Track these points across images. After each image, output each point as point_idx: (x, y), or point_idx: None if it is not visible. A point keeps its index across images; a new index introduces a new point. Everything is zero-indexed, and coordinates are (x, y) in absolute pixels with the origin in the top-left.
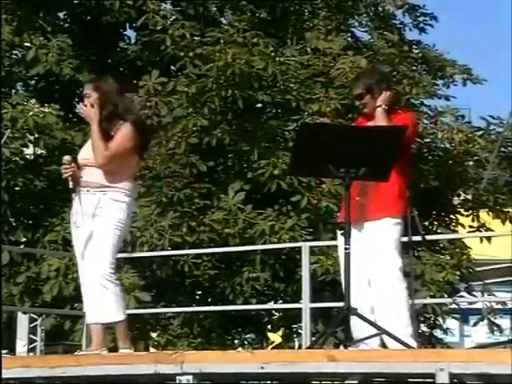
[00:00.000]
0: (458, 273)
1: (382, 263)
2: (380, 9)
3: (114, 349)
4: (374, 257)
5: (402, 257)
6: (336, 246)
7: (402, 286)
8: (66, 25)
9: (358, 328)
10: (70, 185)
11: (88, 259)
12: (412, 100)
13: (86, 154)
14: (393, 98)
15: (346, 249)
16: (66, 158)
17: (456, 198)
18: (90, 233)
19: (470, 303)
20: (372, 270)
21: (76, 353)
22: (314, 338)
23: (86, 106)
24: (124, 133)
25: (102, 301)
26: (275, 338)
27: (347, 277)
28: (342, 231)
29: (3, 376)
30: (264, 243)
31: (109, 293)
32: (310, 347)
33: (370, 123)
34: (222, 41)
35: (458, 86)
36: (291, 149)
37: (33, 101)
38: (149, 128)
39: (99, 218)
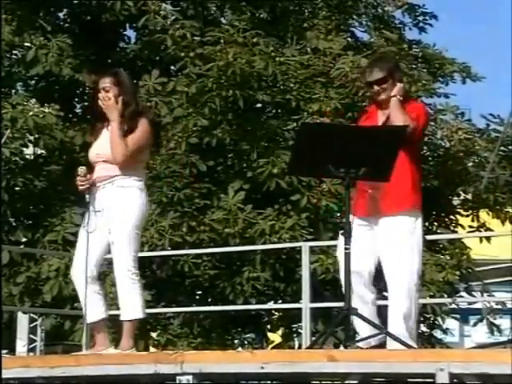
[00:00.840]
0: (457, 273)
1: (400, 264)
2: (380, 10)
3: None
4: (391, 256)
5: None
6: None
7: (415, 295)
8: (66, 25)
9: (360, 327)
10: (87, 198)
11: (113, 254)
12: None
13: (97, 150)
14: (404, 88)
15: (346, 249)
16: (82, 170)
17: (456, 198)
18: (107, 229)
19: (470, 303)
20: (389, 270)
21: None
22: (313, 338)
23: (106, 99)
24: (142, 130)
25: (127, 297)
26: (275, 337)
27: (347, 277)
28: (342, 231)
29: (3, 376)
30: (264, 243)
31: (134, 288)
32: (309, 347)
33: (382, 113)
34: (222, 41)
35: (458, 84)
36: (291, 148)
37: (33, 101)
38: (161, 127)
39: (115, 209)
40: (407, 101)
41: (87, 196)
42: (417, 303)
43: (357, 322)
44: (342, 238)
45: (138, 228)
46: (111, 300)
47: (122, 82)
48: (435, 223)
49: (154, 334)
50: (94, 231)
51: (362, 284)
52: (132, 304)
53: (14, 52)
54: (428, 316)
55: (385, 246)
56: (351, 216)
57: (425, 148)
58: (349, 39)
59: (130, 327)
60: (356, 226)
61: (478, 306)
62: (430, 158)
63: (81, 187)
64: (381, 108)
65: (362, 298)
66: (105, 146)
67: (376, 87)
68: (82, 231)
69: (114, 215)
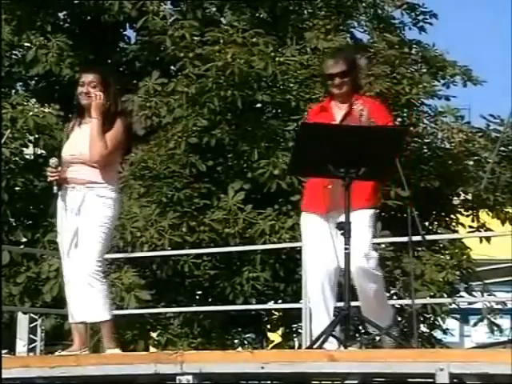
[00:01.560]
0: (457, 273)
1: (361, 255)
2: (379, 10)
3: (96, 349)
4: (352, 248)
5: (377, 248)
6: None
7: (380, 277)
8: (66, 25)
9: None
10: (55, 189)
11: (74, 257)
12: (412, 100)
13: (72, 149)
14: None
15: (345, 249)
16: (53, 161)
17: (456, 198)
18: (75, 230)
19: (470, 303)
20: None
21: (57, 353)
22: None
23: (91, 94)
24: (118, 130)
25: (89, 299)
26: (275, 337)
27: (347, 277)
28: (342, 231)
29: (3, 376)
30: (264, 243)
31: (95, 291)
32: (309, 347)
33: (338, 107)
34: (221, 41)
35: (459, 86)
36: (291, 148)
37: (33, 100)
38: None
39: (85, 215)
40: (357, 93)
41: (55, 188)
42: (384, 289)
43: (318, 321)
44: (304, 221)
45: (105, 236)
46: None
47: (108, 80)
48: (435, 223)
49: (154, 334)
50: (64, 232)
51: (327, 283)
52: (100, 305)
53: (14, 52)
54: (428, 316)
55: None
56: (303, 212)
57: (425, 148)
58: (348, 40)
59: (107, 328)
60: (316, 222)
61: (478, 305)
62: (430, 158)
63: (50, 178)
64: (336, 101)
65: (324, 303)
66: (80, 146)
67: (338, 79)
68: (58, 229)
69: (86, 220)
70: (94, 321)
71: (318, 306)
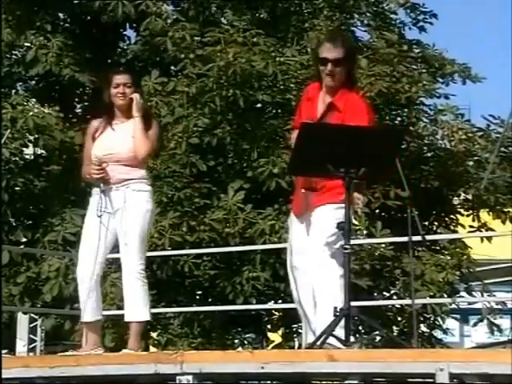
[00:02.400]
0: (457, 273)
1: (324, 247)
2: (381, 8)
3: (115, 349)
4: (316, 241)
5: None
6: None
7: (338, 272)
8: (66, 25)
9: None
10: (102, 187)
11: (123, 257)
12: (412, 99)
13: (108, 149)
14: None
15: (345, 248)
16: (97, 159)
17: (456, 198)
18: (114, 231)
19: (470, 303)
20: (314, 252)
21: (68, 352)
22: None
23: (128, 94)
24: (157, 129)
25: (135, 299)
26: (275, 337)
27: (347, 276)
28: (342, 231)
29: (3, 376)
30: (264, 243)
31: (142, 290)
32: (309, 347)
33: (322, 99)
34: (222, 41)
35: (458, 84)
36: (292, 148)
37: (33, 100)
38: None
39: (126, 214)
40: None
41: (101, 185)
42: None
43: (306, 327)
44: (291, 217)
45: (148, 232)
46: (111, 300)
47: (139, 84)
48: (435, 223)
49: (154, 334)
50: (102, 235)
51: (306, 284)
52: (142, 305)
53: (14, 52)
54: (428, 316)
55: (313, 232)
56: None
57: (425, 148)
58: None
59: (139, 328)
60: (295, 223)
61: (478, 306)
62: (430, 159)
63: (96, 176)
64: (324, 91)
65: (307, 300)
66: (117, 145)
67: (331, 66)
68: (90, 228)
69: (129, 218)
70: (140, 320)
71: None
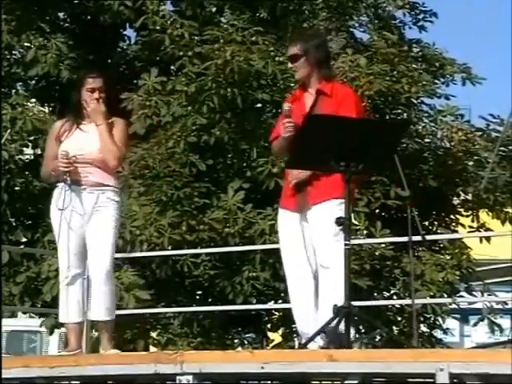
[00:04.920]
0: (457, 273)
1: (330, 247)
2: (380, 10)
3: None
4: (321, 241)
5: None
6: None
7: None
8: (66, 25)
9: (308, 328)
10: (68, 181)
11: (91, 257)
12: (411, 99)
13: (79, 149)
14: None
15: (346, 245)
16: (65, 152)
17: (456, 198)
18: (82, 232)
19: (470, 303)
20: (320, 252)
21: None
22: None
23: (100, 100)
24: (124, 130)
25: (102, 298)
26: (275, 337)
27: (347, 275)
28: (341, 227)
29: (3, 376)
30: (264, 242)
31: (108, 290)
32: (303, 346)
33: (309, 94)
34: (221, 40)
35: (458, 85)
36: (293, 141)
37: (33, 100)
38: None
39: (98, 216)
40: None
41: (68, 179)
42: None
43: (302, 323)
44: (282, 214)
45: (115, 237)
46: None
47: (106, 81)
48: (435, 223)
49: (153, 334)
50: (71, 231)
51: (308, 284)
52: (107, 305)
53: (14, 52)
54: (428, 316)
55: (317, 233)
56: (281, 209)
57: (425, 148)
58: (348, 39)
59: (107, 328)
60: (289, 219)
61: (478, 305)
62: (429, 158)
63: (64, 169)
64: (306, 90)
65: (303, 298)
66: (87, 146)
67: (290, 64)
68: (56, 224)
69: (102, 221)
70: (104, 319)
71: (299, 304)
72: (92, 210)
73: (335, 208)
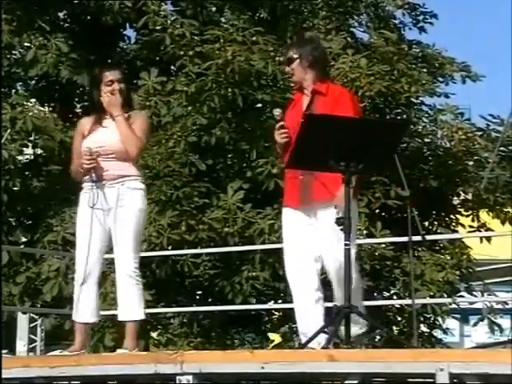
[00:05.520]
0: (457, 273)
1: (339, 252)
2: (380, 10)
3: (115, 349)
4: (330, 244)
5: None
6: None
7: (357, 278)
8: (66, 25)
9: (308, 327)
10: (93, 177)
11: (116, 256)
12: (411, 99)
13: (99, 142)
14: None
15: (346, 245)
16: (87, 149)
17: (456, 198)
18: (107, 229)
19: (470, 303)
20: (328, 256)
21: (57, 352)
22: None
23: (112, 92)
24: (145, 122)
25: (130, 297)
26: (275, 337)
27: (347, 275)
28: (341, 226)
29: (3, 376)
30: (263, 242)
31: (136, 289)
32: (302, 346)
33: (306, 97)
34: (221, 40)
35: (458, 84)
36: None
37: (33, 100)
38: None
39: (122, 212)
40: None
41: (93, 176)
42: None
43: (302, 322)
44: (286, 211)
45: (142, 230)
46: (111, 300)
47: (122, 73)
48: (435, 223)
49: (154, 334)
50: (95, 229)
51: (310, 282)
52: (137, 305)
53: (14, 52)
54: (428, 316)
55: (325, 232)
56: (284, 208)
57: (425, 148)
58: (348, 39)
59: (135, 328)
60: (293, 216)
61: (478, 305)
62: (430, 158)
63: (88, 166)
64: (303, 93)
65: (310, 298)
66: (107, 138)
67: (286, 67)
68: (83, 224)
69: (123, 217)
70: (135, 319)
71: (302, 303)
72: (116, 205)
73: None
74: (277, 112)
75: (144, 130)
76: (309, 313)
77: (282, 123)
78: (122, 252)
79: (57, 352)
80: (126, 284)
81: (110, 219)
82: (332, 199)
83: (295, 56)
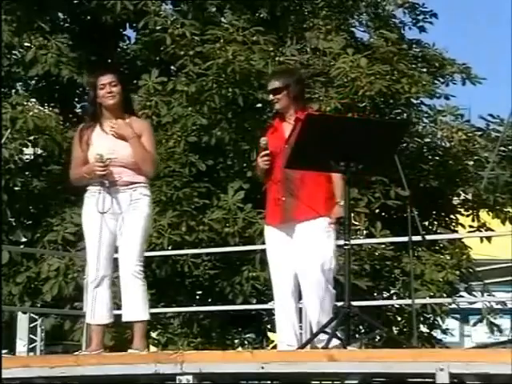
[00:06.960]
0: (457, 273)
1: (318, 263)
2: (380, 9)
3: (115, 348)
4: (308, 257)
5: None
6: None
7: (331, 292)
8: (66, 25)
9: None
10: (106, 183)
11: (121, 257)
12: (411, 99)
13: (110, 152)
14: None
15: (345, 245)
16: (100, 155)
17: (456, 198)
18: (116, 231)
19: (470, 303)
20: (305, 269)
21: (76, 353)
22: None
23: (111, 93)
24: (152, 132)
25: (134, 298)
26: (275, 337)
27: (348, 275)
28: (341, 227)
29: (3, 376)
30: (263, 242)
31: (141, 290)
32: (302, 347)
33: (288, 124)
34: (222, 40)
35: (458, 85)
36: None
37: (33, 100)
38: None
39: (132, 215)
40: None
41: (106, 182)
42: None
43: (280, 327)
44: (268, 230)
45: (148, 235)
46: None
47: (121, 79)
48: (435, 223)
49: (154, 334)
50: (105, 234)
51: (287, 293)
52: (143, 305)
53: (14, 52)
54: (428, 316)
55: (302, 249)
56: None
57: (425, 148)
58: (348, 39)
59: (143, 328)
60: (273, 234)
61: (478, 305)
62: (430, 158)
63: (100, 173)
64: (284, 120)
65: (285, 308)
66: (119, 149)
67: (271, 96)
68: (93, 228)
69: (134, 220)
70: (143, 319)
71: (280, 311)
72: (128, 208)
73: (322, 227)
74: (264, 141)
75: (153, 142)
76: (288, 323)
77: (267, 152)
78: (128, 254)
79: (76, 352)
80: (132, 285)
81: (119, 223)
82: (316, 216)
83: (282, 86)
